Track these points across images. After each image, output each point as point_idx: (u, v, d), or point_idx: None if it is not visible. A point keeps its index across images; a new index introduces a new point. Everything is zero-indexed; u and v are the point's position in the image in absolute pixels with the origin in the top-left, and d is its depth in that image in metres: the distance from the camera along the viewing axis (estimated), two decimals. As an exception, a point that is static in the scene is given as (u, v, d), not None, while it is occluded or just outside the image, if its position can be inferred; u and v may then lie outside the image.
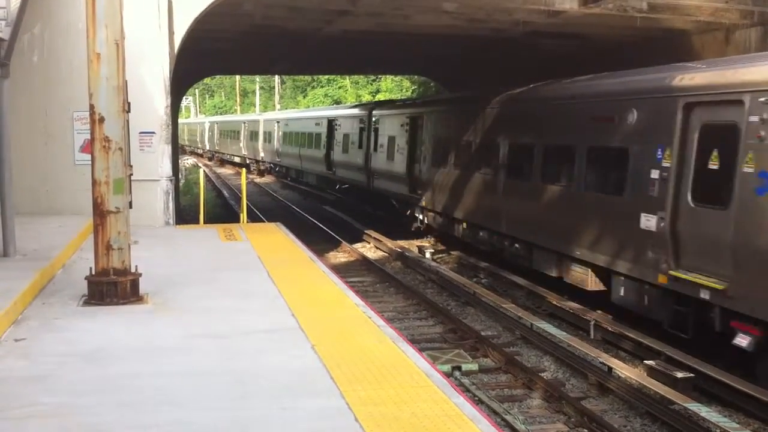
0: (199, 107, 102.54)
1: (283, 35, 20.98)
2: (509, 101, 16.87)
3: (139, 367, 6.55)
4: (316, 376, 6.34)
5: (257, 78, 76.30)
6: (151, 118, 14.42)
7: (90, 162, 8.81)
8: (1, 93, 10.16)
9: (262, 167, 52.07)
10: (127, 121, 8.99)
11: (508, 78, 22.86)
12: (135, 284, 8.91)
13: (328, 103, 62.29)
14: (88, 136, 9.01)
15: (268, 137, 48.32)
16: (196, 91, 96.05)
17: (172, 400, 5.77)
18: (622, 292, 12.13)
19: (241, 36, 21.12)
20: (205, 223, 16.69)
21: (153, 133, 14.54)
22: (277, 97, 73.96)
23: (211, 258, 11.79)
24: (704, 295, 10.05)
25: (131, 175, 9.76)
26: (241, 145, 56.88)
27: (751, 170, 9.42)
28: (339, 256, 20.83)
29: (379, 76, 56.36)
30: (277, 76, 69.97)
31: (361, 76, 59.95)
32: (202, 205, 17.17)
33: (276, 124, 46.04)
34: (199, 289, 9.51)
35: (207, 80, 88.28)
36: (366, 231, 23.67)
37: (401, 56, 27.97)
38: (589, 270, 13.02)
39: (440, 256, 20.32)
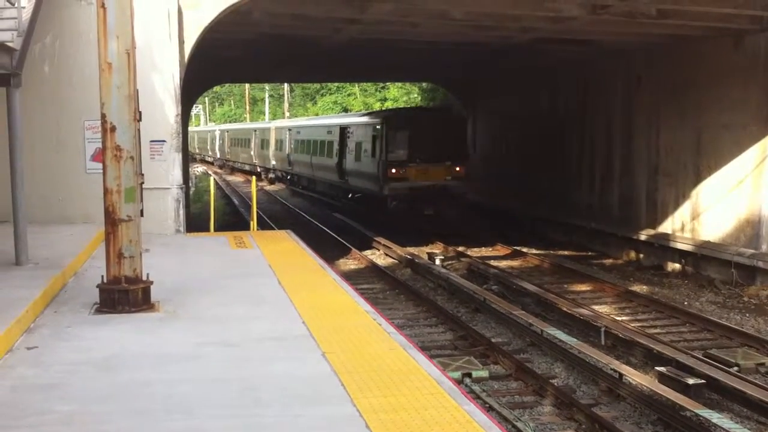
0: (209, 115, 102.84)
1: (291, 44, 21.06)
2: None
3: (150, 375, 6.58)
4: (326, 383, 6.35)
5: (266, 86, 76.44)
6: (161, 127, 14.47)
7: (101, 170, 8.85)
8: (13, 102, 10.23)
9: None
10: (138, 129, 9.04)
11: (514, 83, 22.75)
12: (146, 292, 8.94)
13: (338, 111, 60.21)
14: (100, 145, 9.06)
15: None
16: (206, 99, 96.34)
17: (184, 408, 5.80)
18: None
19: (250, 44, 21.20)
20: (215, 230, 16.75)
21: (164, 141, 14.60)
22: (286, 105, 74.10)
23: (222, 266, 11.82)
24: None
25: (142, 183, 9.81)
26: None
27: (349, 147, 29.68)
28: (349, 263, 20.86)
29: (387, 84, 55.94)
30: (286, 84, 70.06)
31: (370, 84, 59.76)
32: (213, 213, 17.23)
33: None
34: (210, 296, 9.54)
35: (216, 88, 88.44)
36: (376, 238, 23.69)
37: (410, 63, 28.02)
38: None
39: (450, 263, 20.32)
